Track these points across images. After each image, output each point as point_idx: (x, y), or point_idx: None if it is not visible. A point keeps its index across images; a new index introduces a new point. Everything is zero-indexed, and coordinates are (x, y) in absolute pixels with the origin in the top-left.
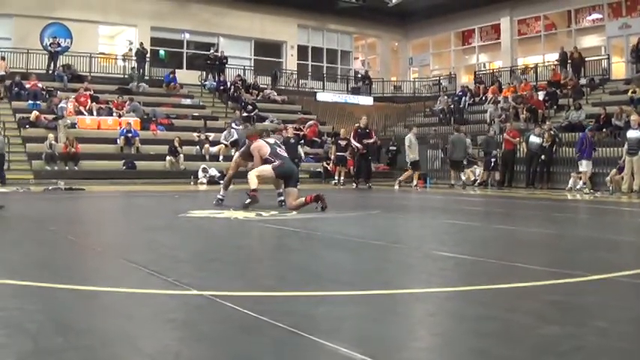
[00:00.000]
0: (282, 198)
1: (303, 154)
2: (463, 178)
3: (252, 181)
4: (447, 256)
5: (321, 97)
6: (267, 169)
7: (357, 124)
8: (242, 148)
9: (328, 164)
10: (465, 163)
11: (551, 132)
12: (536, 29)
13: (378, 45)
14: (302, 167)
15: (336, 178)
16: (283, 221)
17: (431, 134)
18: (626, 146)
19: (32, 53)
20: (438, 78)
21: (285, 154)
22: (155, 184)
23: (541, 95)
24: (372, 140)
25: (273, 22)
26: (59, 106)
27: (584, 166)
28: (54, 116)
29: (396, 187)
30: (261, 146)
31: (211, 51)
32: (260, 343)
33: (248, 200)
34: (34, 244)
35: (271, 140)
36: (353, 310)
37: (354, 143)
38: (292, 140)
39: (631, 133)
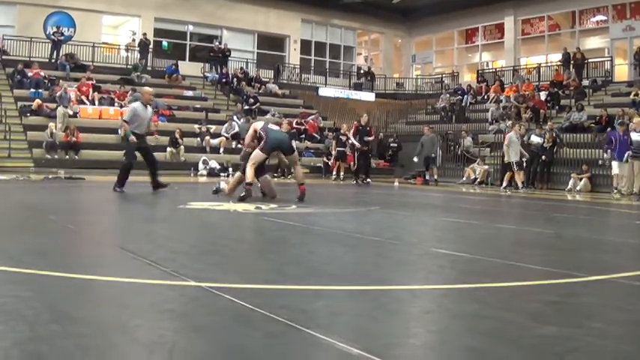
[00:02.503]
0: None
1: (295, 149)
2: (428, 176)
3: (249, 173)
4: (445, 254)
5: (323, 92)
6: (256, 153)
7: (356, 122)
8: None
9: (329, 159)
10: (433, 159)
11: (553, 132)
12: (540, 29)
13: (381, 41)
14: (302, 162)
15: (335, 173)
16: (282, 215)
17: (426, 131)
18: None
19: (35, 42)
20: (440, 76)
21: (274, 127)
22: None
23: (543, 95)
24: (371, 138)
25: (277, 16)
26: (57, 94)
27: (615, 168)
28: (56, 105)
29: (508, 192)
30: (257, 123)
31: (214, 43)
32: (256, 335)
33: (243, 193)
34: (33, 232)
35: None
36: (350, 305)
37: (354, 141)
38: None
39: (633, 136)
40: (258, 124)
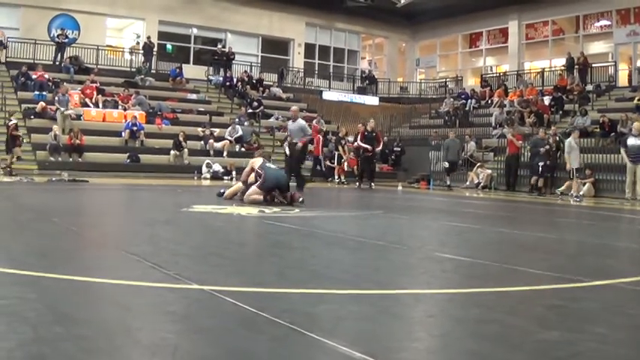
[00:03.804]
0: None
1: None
2: (473, 181)
3: (248, 200)
4: (448, 258)
5: (327, 95)
6: (254, 190)
7: (363, 126)
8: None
9: (332, 163)
10: (460, 163)
11: (556, 137)
12: (544, 34)
13: (385, 45)
14: (305, 166)
15: (337, 176)
16: (285, 218)
17: (432, 136)
18: (623, 153)
19: (39, 44)
20: (444, 80)
21: (272, 166)
22: (159, 178)
23: (547, 100)
24: (380, 147)
25: (281, 20)
26: (56, 97)
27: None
28: (56, 108)
29: (560, 200)
30: (258, 162)
31: (218, 46)
32: (259, 339)
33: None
34: (36, 234)
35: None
36: (353, 309)
37: (362, 145)
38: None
39: (632, 141)
40: (257, 162)
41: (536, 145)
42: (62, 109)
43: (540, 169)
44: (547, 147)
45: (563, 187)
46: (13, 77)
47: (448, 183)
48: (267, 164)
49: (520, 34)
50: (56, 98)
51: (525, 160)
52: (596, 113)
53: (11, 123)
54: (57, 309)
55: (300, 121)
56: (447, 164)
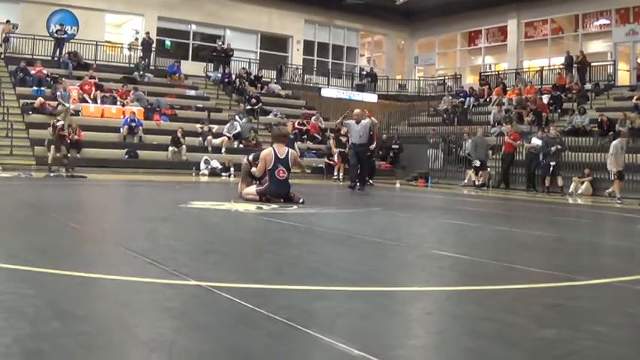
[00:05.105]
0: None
1: (298, 151)
2: (471, 179)
3: (244, 197)
4: (446, 256)
5: (326, 92)
6: (252, 192)
7: None
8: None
9: (331, 160)
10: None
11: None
12: (543, 32)
13: (384, 43)
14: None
15: (336, 173)
16: (283, 215)
17: (430, 134)
18: None
19: (38, 39)
20: (443, 78)
21: (282, 176)
22: (157, 174)
23: (545, 99)
24: (373, 145)
25: (280, 17)
26: (57, 93)
27: None
28: (57, 103)
29: (619, 203)
30: (269, 160)
31: (217, 43)
32: (256, 335)
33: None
34: (34, 229)
35: (282, 155)
36: (350, 306)
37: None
38: (291, 136)
39: None
40: (268, 157)
41: (548, 144)
42: (67, 104)
43: (552, 168)
44: (559, 146)
45: (610, 190)
46: (11, 72)
47: (477, 182)
48: (277, 170)
49: (519, 32)
50: (58, 93)
51: (522, 157)
52: (595, 112)
53: (59, 123)
54: (55, 304)
55: (364, 122)
56: (478, 162)
